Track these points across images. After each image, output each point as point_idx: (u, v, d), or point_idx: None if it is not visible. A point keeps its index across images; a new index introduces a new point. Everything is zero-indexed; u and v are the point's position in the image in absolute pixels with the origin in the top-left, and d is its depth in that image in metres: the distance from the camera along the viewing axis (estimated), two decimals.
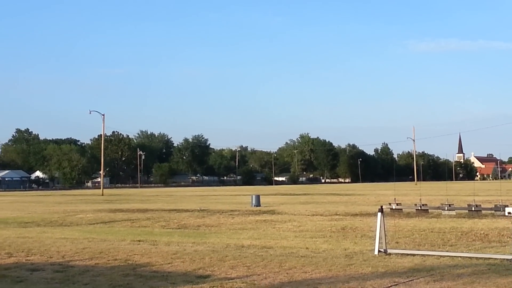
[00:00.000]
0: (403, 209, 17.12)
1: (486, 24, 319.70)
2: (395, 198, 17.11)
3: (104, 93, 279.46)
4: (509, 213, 13.91)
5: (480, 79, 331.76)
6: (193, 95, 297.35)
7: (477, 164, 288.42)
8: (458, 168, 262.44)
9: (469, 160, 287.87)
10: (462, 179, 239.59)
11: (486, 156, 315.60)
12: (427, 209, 16.49)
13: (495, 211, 14.67)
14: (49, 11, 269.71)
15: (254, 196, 41.38)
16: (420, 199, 18.00)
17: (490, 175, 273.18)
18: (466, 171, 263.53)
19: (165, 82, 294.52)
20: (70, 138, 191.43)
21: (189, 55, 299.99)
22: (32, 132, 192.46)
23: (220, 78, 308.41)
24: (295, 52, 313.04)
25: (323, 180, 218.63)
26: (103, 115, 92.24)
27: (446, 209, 15.36)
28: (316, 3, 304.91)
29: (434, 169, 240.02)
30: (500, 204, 14.75)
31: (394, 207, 15.96)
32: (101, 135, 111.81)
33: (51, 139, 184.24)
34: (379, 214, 15.28)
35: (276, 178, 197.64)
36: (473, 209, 15.12)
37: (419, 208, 15.86)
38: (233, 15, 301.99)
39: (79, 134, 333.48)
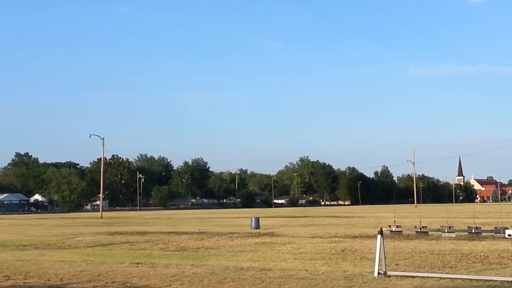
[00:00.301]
0: (403, 231, 17.11)
1: (486, 49, 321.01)
2: (395, 221, 17.09)
3: (104, 117, 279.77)
4: (509, 235, 13.87)
5: (480, 103, 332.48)
6: (192, 119, 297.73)
7: (477, 186, 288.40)
8: (458, 191, 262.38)
9: (469, 183, 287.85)
10: (462, 201, 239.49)
11: (486, 178, 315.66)
12: (427, 231, 16.46)
13: (495, 233, 14.64)
14: (48, 35, 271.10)
15: (253, 219, 41.27)
16: (420, 221, 17.97)
17: (490, 198, 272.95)
18: (466, 194, 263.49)
19: (165, 106, 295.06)
20: (70, 161, 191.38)
21: (187, 79, 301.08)
22: (31, 156, 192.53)
23: (218, 102, 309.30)
24: (294, 76, 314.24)
25: (322, 203, 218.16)
26: (103, 138, 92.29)
27: (446, 231, 15.32)
28: (314, 28, 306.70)
29: (434, 192, 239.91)
30: (500, 226, 14.72)
31: (394, 229, 15.92)
32: (100, 158, 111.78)
33: (50, 162, 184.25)
34: (379, 236, 15.23)
35: (275, 201, 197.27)
36: (473, 231, 15.08)
37: (419, 230, 15.83)
38: (230, 40, 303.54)
39: (79, 157, 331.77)
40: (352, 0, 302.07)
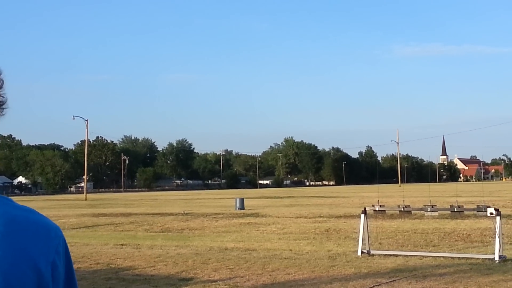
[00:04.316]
0: (386, 211, 17.20)
1: (471, 29, 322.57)
2: (378, 200, 17.19)
3: (88, 98, 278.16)
4: (491, 213, 14.00)
5: (464, 83, 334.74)
6: (177, 100, 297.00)
7: (460, 166, 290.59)
8: (442, 170, 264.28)
9: (453, 162, 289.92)
10: (446, 180, 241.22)
11: (469, 158, 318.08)
12: (410, 211, 16.58)
13: (477, 211, 14.76)
14: (31, 16, 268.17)
15: (238, 199, 41.30)
16: (403, 201, 18.09)
17: (474, 177, 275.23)
18: (450, 173, 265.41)
19: (148, 87, 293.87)
20: (53, 143, 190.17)
21: (172, 61, 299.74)
22: (15, 138, 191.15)
23: (203, 83, 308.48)
24: (279, 57, 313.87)
25: (307, 183, 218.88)
26: (87, 120, 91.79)
27: (428, 210, 15.43)
28: (301, 11, 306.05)
29: (418, 171, 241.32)
30: (482, 205, 14.85)
31: (377, 209, 16.01)
32: (84, 140, 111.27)
33: (34, 145, 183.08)
34: (362, 215, 15.32)
35: (260, 182, 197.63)
36: (455, 210, 15.21)
37: (402, 209, 15.93)
38: (218, 22, 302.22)
39: (63, 139, 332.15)
40: None
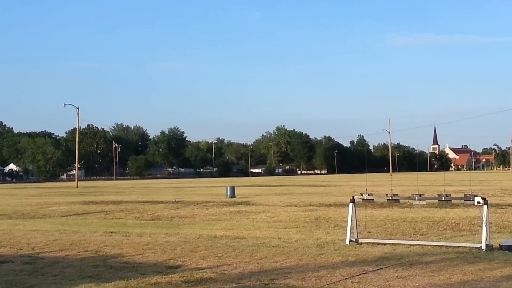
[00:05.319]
0: (374, 199, 17.28)
1: (463, 19, 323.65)
2: (366, 189, 17.25)
3: (80, 86, 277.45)
4: (478, 202, 14.06)
5: (456, 73, 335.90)
6: (169, 88, 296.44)
7: (451, 155, 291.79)
8: (433, 159, 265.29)
9: (444, 151, 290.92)
10: (437, 170, 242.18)
11: (460, 147, 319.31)
12: (398, 199, 16.65)
13: (464, 200, 14.82)
14: (23, 4, 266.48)
15: (229, 188, 41.33)
16: (391, 190, 18.17)
17: (465, 166, 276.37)
18: (441, 162, 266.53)
19: (141, 76, 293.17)
20: (45, 131, 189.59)
21: (165, 49, 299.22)
22: (6, 125, 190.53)
23: (196, 71, 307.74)
24: (272, 46, 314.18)
25: (299, 172, 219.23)
26: (78, 108, 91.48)
27: (416, 199, 15.50)
28: (293, 0, 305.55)
29: (409, 160, 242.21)
30: (470, 193, 14.91)
31: (365, 198, 16.05)
32: (76, 128, 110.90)
33: (25, 132, 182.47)
34: (351, 204, 15.38)
35: (252, 170, 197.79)
36: (443, 198, 15.28)
37: (390, 198, 15.98)
38: (210, 11, 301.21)
39: (54, 127, 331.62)
40: None
